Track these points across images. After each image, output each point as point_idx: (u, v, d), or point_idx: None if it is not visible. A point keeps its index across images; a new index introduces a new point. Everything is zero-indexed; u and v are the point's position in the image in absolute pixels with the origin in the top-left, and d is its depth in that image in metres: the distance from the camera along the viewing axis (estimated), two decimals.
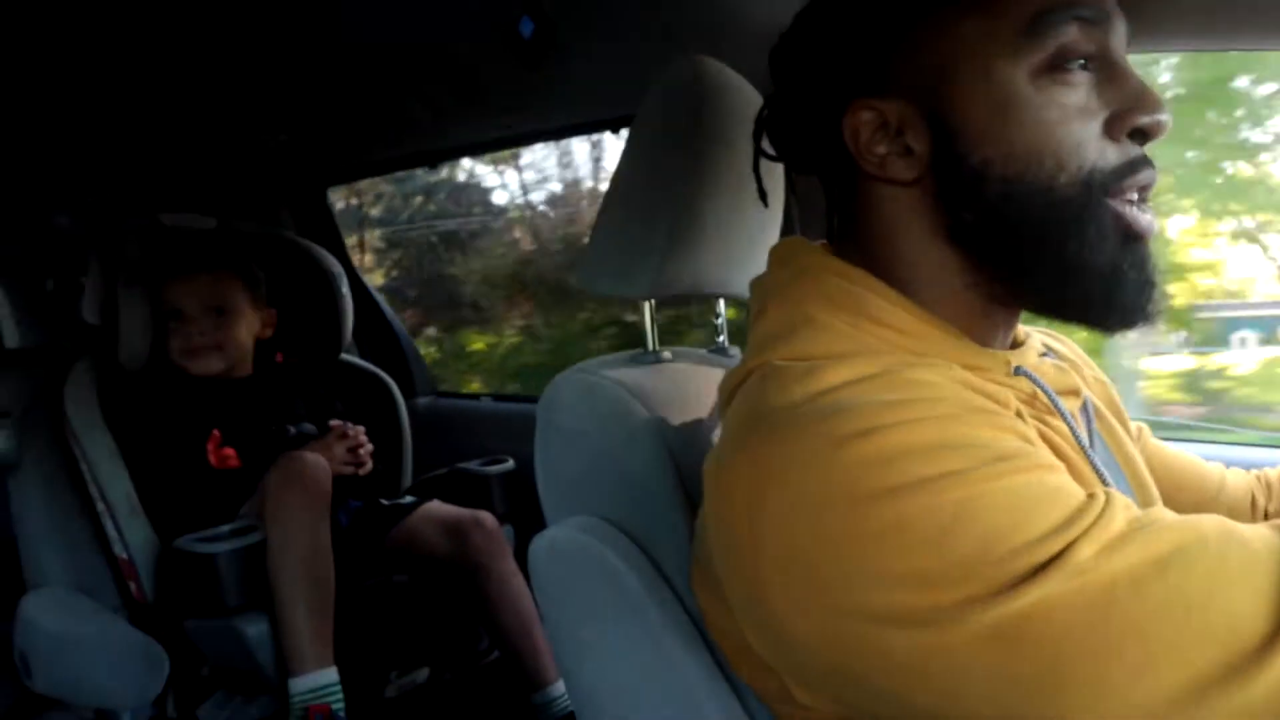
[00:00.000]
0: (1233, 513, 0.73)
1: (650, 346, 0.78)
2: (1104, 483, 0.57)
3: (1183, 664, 0.39)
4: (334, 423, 1.61)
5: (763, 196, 0.70)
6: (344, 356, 1.87)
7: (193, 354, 1.58)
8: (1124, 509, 0.44)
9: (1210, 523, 0.43)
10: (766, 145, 0.66)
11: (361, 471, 1.58)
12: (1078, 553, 0.41)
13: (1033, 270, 0.54)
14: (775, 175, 0.80)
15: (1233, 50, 0.99)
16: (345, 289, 1.79)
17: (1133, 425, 0.77)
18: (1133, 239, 0.52)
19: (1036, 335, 0.69)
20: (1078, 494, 0.44)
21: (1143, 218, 0.53)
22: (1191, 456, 0.80)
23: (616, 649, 0.58)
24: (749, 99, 0.75)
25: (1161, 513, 0.45)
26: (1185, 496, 0.77)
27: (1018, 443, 0.46)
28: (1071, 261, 0.52)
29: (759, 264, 0.83)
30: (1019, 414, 0.53)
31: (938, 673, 0.42)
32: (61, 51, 1.56)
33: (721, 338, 0.93)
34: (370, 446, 1.59)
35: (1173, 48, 0.98)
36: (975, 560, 0.41)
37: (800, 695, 0.51)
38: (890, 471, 0.43)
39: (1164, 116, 0.52)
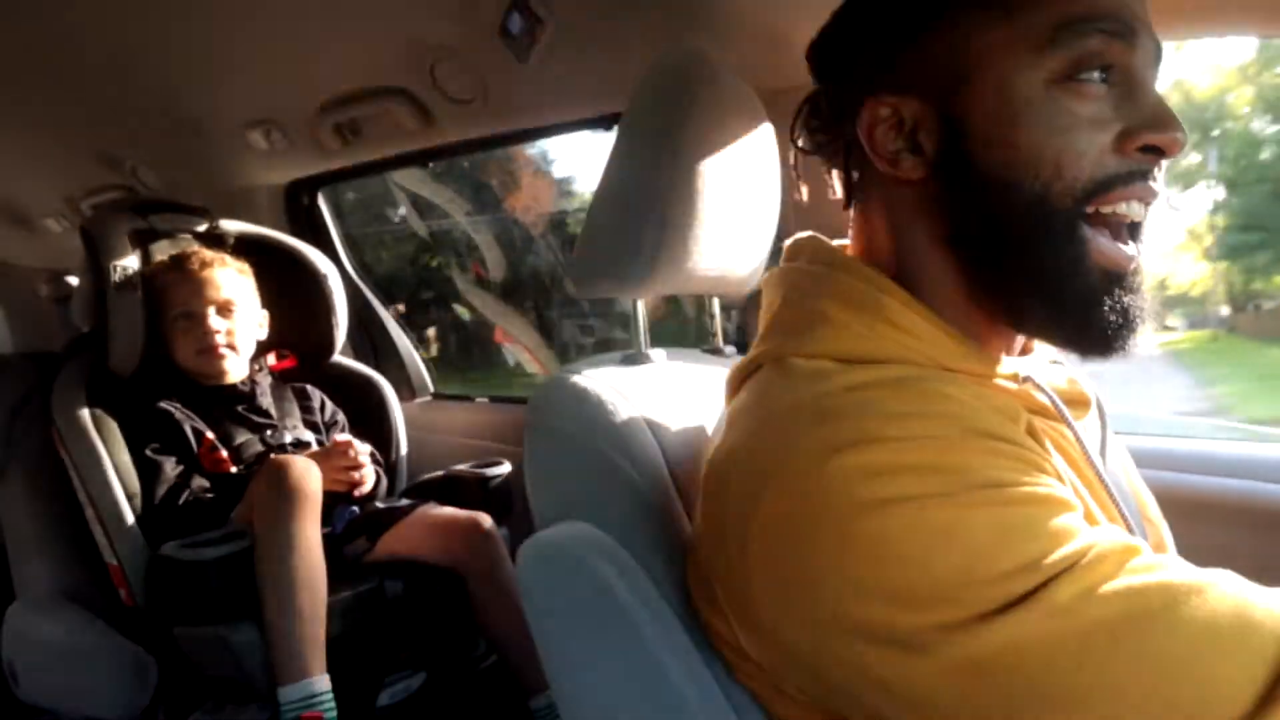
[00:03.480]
0: None
1: (641, 347, 0.77)
2: (1113, 499, 0.57)
3: None
4: (339, 438, 1.58)
5: (797, 190, 0.70)
6: (338, 359, 1.85)
7: (207, 354, 1.55)
8: (1120, 550, 0.43)
9: (1215, 584, 0.42)
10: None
11: (358, 493, 1.55)
12: (1056, 592, 0.40)
13: (1017, 282, 0.54)
14: (773, 174, 0.78)
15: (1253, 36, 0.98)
16: (339, 290, 1.77)
17: None
18: (1113, 274, 0.53)
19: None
20: (1069, 529, 0.43)
21: (1117, 249, 0.53)
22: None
23: (606, 660, 0.56)
24: (741, 91, 0.74)
25: (1164, 561, 0.43)
26: None
27: (1015, 471, 0.45)
28: (1052, 277, 0.52)
29: (754, 262, 0.82)
30: (1029, 428, 0.52)
31: (908, 693, 0.43)
32: (51, 50, 1.55)
33: (717, 337, 0.91)
34: (370, 470, 1.56)
35: (1206, 34, 0.96)
36: (952, 584, 0.41)
37: (793, 696, 0.51)
38: (877, 485, 0.43)
39: (1179, 135, 0.51)
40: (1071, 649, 0.39)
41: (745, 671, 0.54)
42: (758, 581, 0.47)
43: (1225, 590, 0.41)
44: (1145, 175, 0.52)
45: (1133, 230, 0.54)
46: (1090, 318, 0.53)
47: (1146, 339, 0.54)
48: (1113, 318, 0.53)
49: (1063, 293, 0.53)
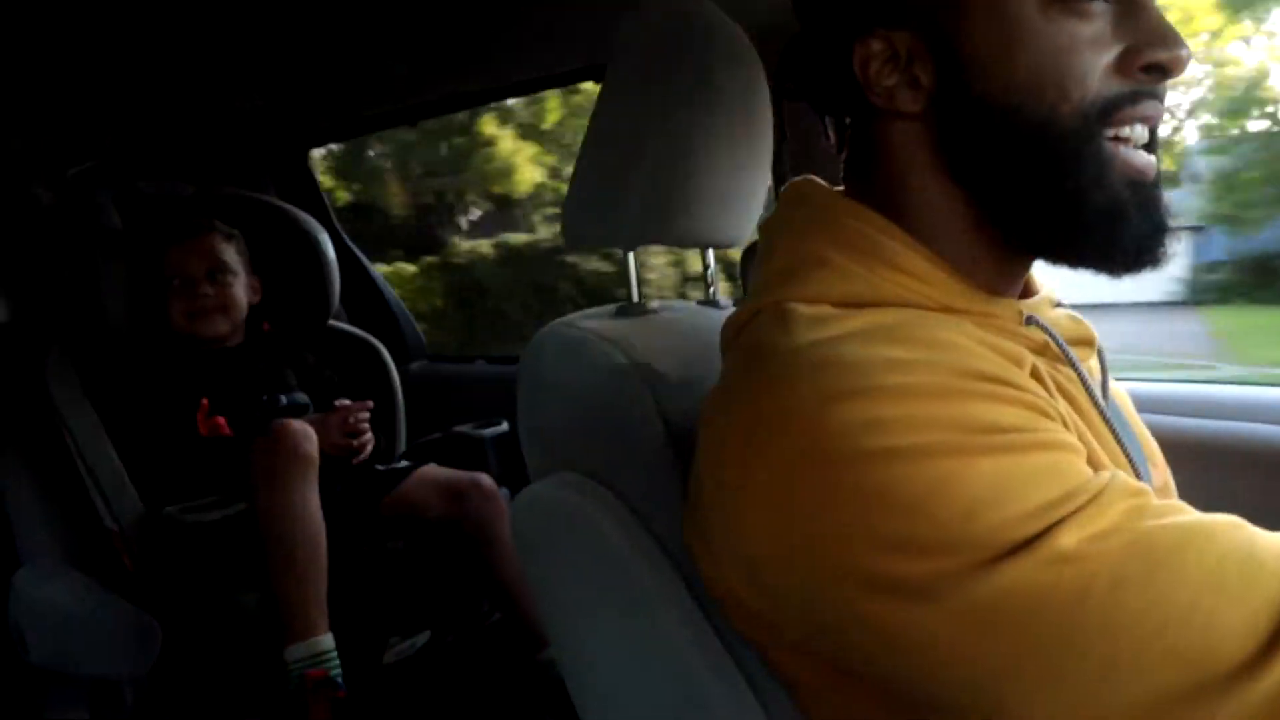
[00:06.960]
0: None
1: (634, 297, 0.75)
2: (1117, 438, 0.56)
3: (1148, 677, 0.38)
4: (340, 403, 1.58)
5: (783, 137, 0.68)
6: (333, 323, 1.84)
7: (199, 317, 1.57)
8: (1126, 495, 0.42)
9: (1223, 528, 0.41)
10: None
11: (357, 460, 1.56)
12: (1060, 538, 0.40)
13: (1032, 207, 0.52)
14: (763, 120, 0.76)
15: None
16: (330, 253, 1.76)
17: None
18: (1137, 181, 0.51)
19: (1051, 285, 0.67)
20: (1074, 475, 0.42)
21: (1141, 158, 0.51)
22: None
23: (602, 609, 0.56)
24: (733, 36, 0.71)
25: (1169, 506, 0.43)
26: None
27: (1019, 417, 0.44)
28: (1070, 197, 0.51)
29: (748, 211, 0.80)
30: (1034, 370, 0.51)
31: (908, 642, 0.42)
32: (36, 18, 1.51)
33: (712, 289, 0.90)
34: (370, 437, 1.57)
35: None
36: (955, 532, 0.40)
37: (790, 643, 0.51)
38: (878, 435, 0.42)
39: (1183, 51, 0.50)
40: (1075, 594, 0.39)
41: (742, 618, 0.54)
42: (756, 531, 0.46)
43: (1230, 536, 0.41)
44: (1151, 95, 0.51)
45: (1149, 143, 0.53)
46: (1117, 232, 0.51)
47: (1175, 249, 0.53)
48: (1143, 228, 0.52)
49: (1086, 210, 0.51)
